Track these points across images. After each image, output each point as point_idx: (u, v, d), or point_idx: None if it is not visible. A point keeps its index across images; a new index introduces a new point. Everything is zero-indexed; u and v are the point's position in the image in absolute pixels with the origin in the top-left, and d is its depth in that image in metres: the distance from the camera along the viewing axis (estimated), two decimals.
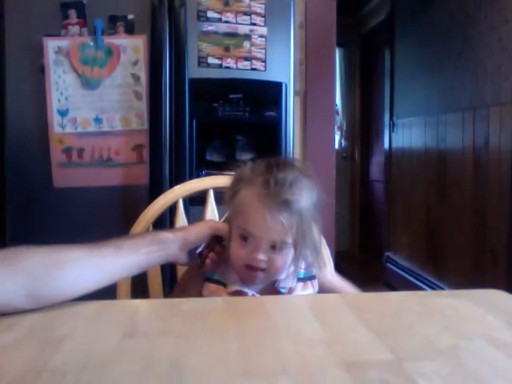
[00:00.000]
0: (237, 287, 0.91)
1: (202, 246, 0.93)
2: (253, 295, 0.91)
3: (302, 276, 0.96)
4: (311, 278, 0.97)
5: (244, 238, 0.88)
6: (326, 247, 1.13)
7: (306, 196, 0.89)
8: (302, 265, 0.95)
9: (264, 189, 0.87)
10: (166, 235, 0.90)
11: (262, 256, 0.87)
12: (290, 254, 0.89)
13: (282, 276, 0.91)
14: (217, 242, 0.94)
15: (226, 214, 0.98)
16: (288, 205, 0.86)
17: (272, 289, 0.93)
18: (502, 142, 2.45)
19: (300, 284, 0.96)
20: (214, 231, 0.93)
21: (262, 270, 0.88)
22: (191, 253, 0.92)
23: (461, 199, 2.86)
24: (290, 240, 0.88)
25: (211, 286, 0.93)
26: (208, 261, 0.91)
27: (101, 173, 1.74)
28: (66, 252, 0.76)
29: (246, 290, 0.91)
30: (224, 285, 0.93)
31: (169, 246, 0.88)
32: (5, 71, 1.71)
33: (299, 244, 0.89)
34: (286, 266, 0.90)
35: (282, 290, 0.93)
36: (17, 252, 0.72)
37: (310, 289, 0.96)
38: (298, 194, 0.87)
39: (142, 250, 0.85)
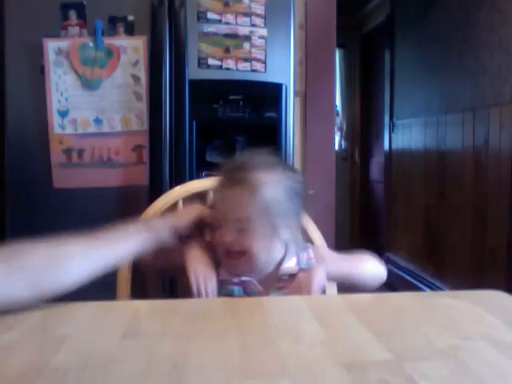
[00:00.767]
0: (221, 276, 0.93)
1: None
2: (242, 281, 0.92)
3: (303, 266, 0.97)
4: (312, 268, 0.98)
5: (217, 228, 0.92)
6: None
7: (263, 176, 0.91)
8: (282, 248, 0.96)
9: (224, 175, 0.94)
10: (156, 223, 0.94)
11: (228, 238, 0.90)
12: (261, 235, 0.90)
13: (263, 258, 0.92)
14: (201, 230, 0.98)
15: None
16: (239, 182, 0.90)
17: (274, 279, 0.94)
18: (502, 142, 2.45)
19: (301, 273, 0.96)
20: (202, 216, 0.97)
21: (239, 254, 0.90)
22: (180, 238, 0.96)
23: (461, 200, 2.86)
24: (251, 217, 0.89)
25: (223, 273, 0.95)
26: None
27: (101, 173, 1.74)
28: (65, 246, 0.79)
29: (234, 279, 0.92)
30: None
31: (159, 233, 0.92)
32: (5, 71, 1.71)
33: (261, 221, 0.90)
34: (259, 247, 0.91)
35: (284, 278, 0.94)
36: (18, 249, 0.75)
37: (309, 277, 0.97)
38: (251, 174, 0.91)
39: (135, 238, 0.88)
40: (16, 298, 0.71)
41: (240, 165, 0.93)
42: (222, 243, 0.91)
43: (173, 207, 1.16)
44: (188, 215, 0.97)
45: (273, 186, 0.91)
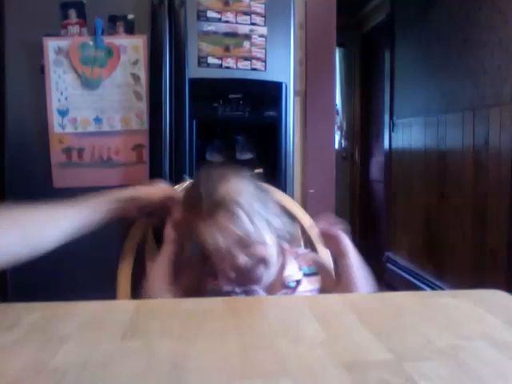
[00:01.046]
0: (225, 287, 0.92)
1: None
2: (246, 292, 0.91)
3: (307, 272, 0.97)
4: (314, 274, 0.99)
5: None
6: (328, 254, 1.13)
7: (233, 185, 0.91)
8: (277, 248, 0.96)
9: (199, 205, 0.89)
10: (117, 194, 0.99)
11: (242, 260, 0.88)
12: (263, 235, 0.90)
13: (274, 261, 0.92)
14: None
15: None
16: (219, 204, 0.88)
17: (279, 285, 0.94)
18: (502, 142, 2.45)
19: (305, 279, 0.97)
20: (167, 198, 0.99)
21: (254, 265, 0.89)
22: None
23: (461, 199, 2.86)
24: (248, 231, 0.88)
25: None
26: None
27: (101, 173, 1.74)
28: (50, 209, 0.88)
29: (237, 289, 0.92)
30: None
31: (118, 204, 0.97)
32: (5, 71, 1.70)
33: (259, 229, 0.90)
34: (270, 252, 0.91)
35: (291, 284, 0.94)
36: (12, 211, 0.83)
37: (316, 283, 0.98)
38: (222, 189, 0.89)
39: (102, 208, 0.96)
40: (15, 253, 0.78)
41: (204, 191, 0.91)
42: (231, 268, 0.89)
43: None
44: (153, 193, 1.00)
45: (247, 194, 0.91)
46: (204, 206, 0.89)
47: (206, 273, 0.95)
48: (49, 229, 0.86)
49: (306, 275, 0.97)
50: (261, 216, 0.91)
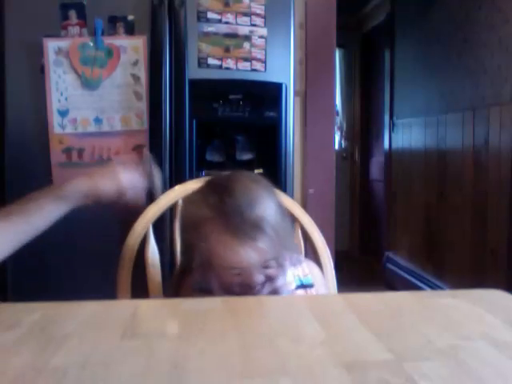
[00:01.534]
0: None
1: None
2: None
3: (301, 283, 0.97)
4: (309, 285, 0.98)
5: (232, 271, 0.86)
6: (328, 254, 1.13)
7: (269, 207, 0.87)
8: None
9: (227, 223, 0.84)
10: (71, 189, 0.96)
11: (257, 279, 0.86)
12: (280, 262, 0.89)
13: (283, 282, 0.91)
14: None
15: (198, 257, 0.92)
16: (258, 228, 0.84)
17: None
18: (502, 142, 2.45)
19: (301, 291, 0.96)
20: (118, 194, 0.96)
21: (264, 284, 0.88)
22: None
23: (461, 199, 2.86)
24: (273, 254, 0.86)
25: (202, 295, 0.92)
26: None
27: None
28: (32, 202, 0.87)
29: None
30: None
31: (76, 200, 0.96)
32: (5, 71, 1.71)
33: (287, 249, 0.89)
34: (284, 274, 0.90)
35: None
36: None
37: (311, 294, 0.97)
38: (261, 211, 0.85)
39: (49, 207, 0.92)
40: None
41: (239, 207, 0.84)
42: (245, 282, 0.86)
43: (175, 208, 1.17)
44: (107, 182, 0.95)
45: (278, 214, 0.88)
46: (237, 219, 0.83)
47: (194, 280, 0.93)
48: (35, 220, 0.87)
49: (299, 287, 0.96)
50: (286, 246, 0.90)
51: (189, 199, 0.94)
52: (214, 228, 0.85)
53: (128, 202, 0.96)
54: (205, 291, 0.89)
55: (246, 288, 0.87)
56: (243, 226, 0.83)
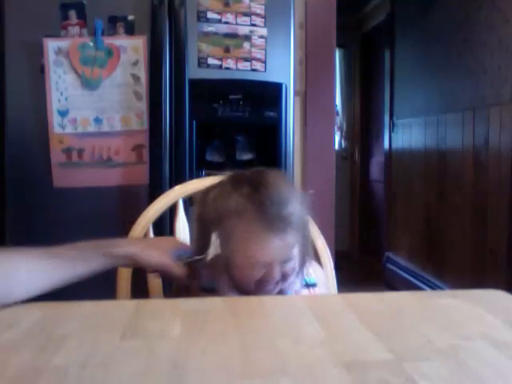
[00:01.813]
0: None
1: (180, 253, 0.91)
2: None
3: (305, 283, 0.97)
4: (312, 285, 0.98)
5: (254, 263, 0.86)
6: (328, 254, 1.13)
7: (298, 204, 0.88)
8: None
9: (261, 213, 0.83)
10: (118, 250, 0.89)
11: (278, 275, 0.86)
12: (296, 262, 0.89)
13: (292, 281, 0.91)
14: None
15: (218, 249, 0.92)
16: (290, 223, 0.84)
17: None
18: (502, 142, 2.45)
19: (305, 290, 0.96)
20: (177, 250, 0.92)
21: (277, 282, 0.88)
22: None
23: (461, 199, 2.86)
24: (296, 252, 0.88)
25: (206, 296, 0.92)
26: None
27: (101, 173, 1.74)
28: (16, 256, 0.77)
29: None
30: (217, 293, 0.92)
31: (118, 260, 0.88)
32: (5, 71, 1.71)
33: (305, 251, 0.90)
34: (295, 272, 0.90)
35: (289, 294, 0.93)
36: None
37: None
38: (293, 207, 0.86)
39: (93, 260, 0.85)
40: None
41: (274, 200, 0.84)
42: (262, 279, 0.86)
43: (175, 208, 1.17)
44: (150, 258, 0.90)
45: (305, 214, 0.89)
46: (273, 209, 0.83)
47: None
48: (81, 271, 0.81)
49: (305, 285, 0.96)
50: (308, 246, 0.91)
51: (211, 195, 0.91)
52: (244, 218, 0.84)
53: (171, 277, 0.94)
54: (209, 291, 0.90)
55: (261, 285, 0.87)
56: (277, 217, 0.83)
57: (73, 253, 0.85)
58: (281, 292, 0.91)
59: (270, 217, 0.83)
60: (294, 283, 0.93)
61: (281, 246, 0.85)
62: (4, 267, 0.74)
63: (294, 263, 0.88)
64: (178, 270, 0.90)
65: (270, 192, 0.85)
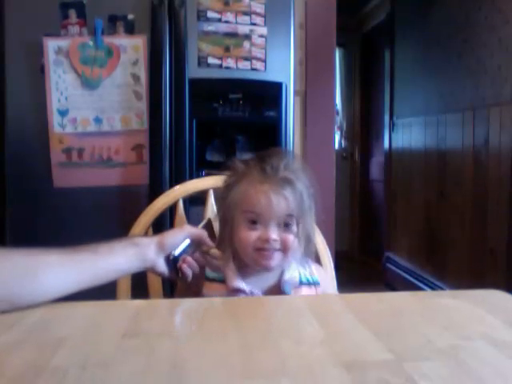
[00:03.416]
0: (236, 283, 0.91)
1: (176, 253, 0.90)
2: (251, 293, 0.91)
3: (306, 281, 0.96)
4: (315, 283, 0.97)
5: (252, 223, 0.89)
6: (328, 254, 1.13)
7: (301, 175, 0.92)
8: (298, 254, 0.95)
9: (262, 173, 0.89)
10: (141, 239, 0.90)
11: (274, 235, 0.88)
12: (299, 231, 0.91)
13: (290, 259, 0.92)
14: (194, 248, 0.93)
15: (219, 213, 0.99)
16: (288, 181, 0.89)
17: (277, 290, 0.93)
18: (502, 141, 2.45)
19: (305, 288, 0.95)
20: (191, 236, 0.93)
21: (276, 250, 0.89)
22: (169, 263, 0.90)
23: (461, 199, 2.86)
24: (294, 214, 0.89)
25: (211, 285, 0.93)
26: (185, 266, 0.89)
27: (101, 173, 1.74)
28: (42, 257, 0.76)
29: (245, 287, 0.91)
30: (223, 282, 0.93)
31: (145, 249, 0.87)
32: (5, 71, 1.70)
33: (301, 221, 0.90)
34: (296, 246, 0.91)
35: (287, 291, 0.92)
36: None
37: (314, 293, 0.96)
38: (294, 173, 0.90)
39: (119, 253, 0.84)
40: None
41: (276, 165, 0.90)
42: (260, 241, 0.88)
43: (175, 208, 1.17)
44: (174, 235, 0.92)
45: (307, 190, 0.92)
46: (273, 172, 0.89)
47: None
48: (41, 280, 0.75)
49: (305, 284, 0.96)
50: (307, 222, 0.92)
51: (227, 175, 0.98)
52: (246, 180, 0.91)
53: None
54: (215, 281, 0.91)
55: (260, 252, 0.88)
56: (276, 177, 0.89)
57: (98, 250, 0.83)
58: (278, 287, 0.92)
59: (269, 175, 0.89)
60: (294, 277, 0.93)
61: (278, 202, 0.88)
62: (27, 272, 0.73)
63: (295, 234, 0.90)
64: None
65: (275, 160, 0.91)
